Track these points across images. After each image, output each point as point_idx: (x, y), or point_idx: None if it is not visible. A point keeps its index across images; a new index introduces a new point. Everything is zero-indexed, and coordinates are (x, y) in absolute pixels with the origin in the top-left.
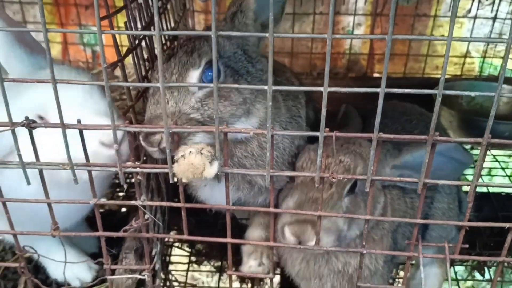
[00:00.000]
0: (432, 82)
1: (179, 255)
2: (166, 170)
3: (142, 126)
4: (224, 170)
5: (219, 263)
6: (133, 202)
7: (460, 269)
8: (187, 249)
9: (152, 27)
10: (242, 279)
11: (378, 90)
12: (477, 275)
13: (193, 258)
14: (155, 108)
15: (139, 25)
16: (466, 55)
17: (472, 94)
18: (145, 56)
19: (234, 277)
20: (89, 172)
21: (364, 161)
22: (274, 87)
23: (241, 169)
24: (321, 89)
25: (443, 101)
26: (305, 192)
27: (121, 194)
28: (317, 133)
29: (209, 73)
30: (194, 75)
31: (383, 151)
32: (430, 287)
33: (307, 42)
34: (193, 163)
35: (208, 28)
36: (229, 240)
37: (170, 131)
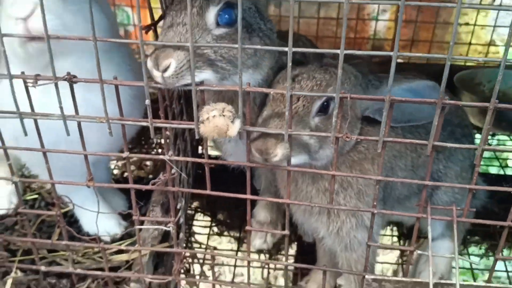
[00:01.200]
0: (455, 69)
1: (200, 220)
2: (192, 126)
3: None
4: (245, 128)
5: (238, 234)
6: (161, 157)
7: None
8: (208, 218)
9: None
10: (260, 251)
11: (391, 53)
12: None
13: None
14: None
15: None
16: (491, 43)
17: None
18: None
19: (252, 248)
20: (122, 126)
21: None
22: (294, 49)
23: (261, 128)
24: (338, 51)
25: (466, 86)
26: (273, 107)
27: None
28: (333, 94)
29: (225, 16)
30: (212, 12)
31: (365, 81)
32: (442, 261)
33: (332, 27)
34: (217, 125)
35: None
36: (248, 196)
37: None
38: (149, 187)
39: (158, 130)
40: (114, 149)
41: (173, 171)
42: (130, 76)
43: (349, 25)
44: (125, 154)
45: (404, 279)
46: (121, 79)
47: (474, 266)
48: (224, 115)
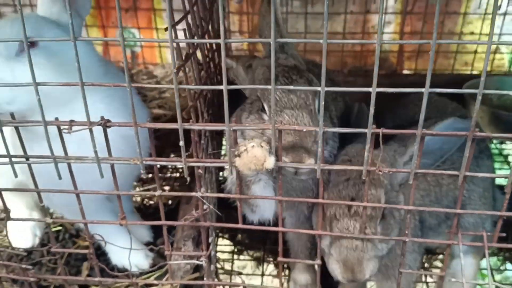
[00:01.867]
0: (461, 78)
1: (222, 245)
2: (226, 164)
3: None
4: (279, 164)
5: (259, 253)
6: (193, 194)
7: (492, 260)
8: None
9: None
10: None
11: (422, 90)
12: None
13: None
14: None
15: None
16: (496, 51)
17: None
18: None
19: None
20: (155, 166)
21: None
22: (326, 88)
23: (294, 163)
24: (370, 89)
25: (474, 96)
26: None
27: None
28: (365, 130)
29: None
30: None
31: (391, 153)
32: (466, 277)
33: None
34: (256, 155)
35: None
36: (280, 229)
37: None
38: (181, 223)
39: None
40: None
41: (205, 207)
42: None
43: (354, 38)
44: (158, 192)
45: None
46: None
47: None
48: (262, 146)
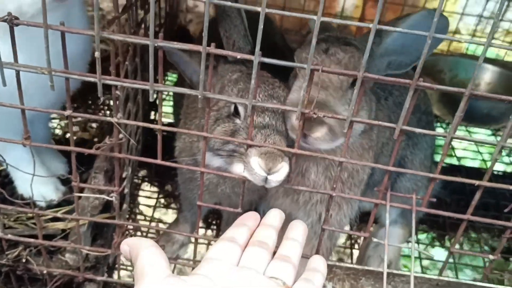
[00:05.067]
0: None
1: (147, 191)
2: (146, 87)
3: None
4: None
5: None
6: (108, 119)
7: (421, 236)
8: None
9: None
10: (208, 226)
11: (370, 25)
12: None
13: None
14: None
15: None
16: (456, 32)
17: None
18: None
19: None
20: (67, 79)
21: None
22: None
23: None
24: (314, 17)
25: (428, 73)
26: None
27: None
28: (304, 66)
29: None
30: None
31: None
32: (391, 247)
33: None
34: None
35: None
36: (202, 169)
37: None
38: (92, 151)
39: (107, 89)
40: (56, 106)
41: (120, 135)
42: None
43: (317, 0)
44: (68, 112)
45: (355, 266)
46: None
47: (423, 256)
48: None
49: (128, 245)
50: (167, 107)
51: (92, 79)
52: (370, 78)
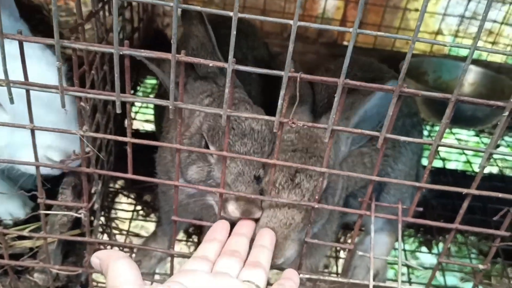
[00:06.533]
0: (401, 56)
1: (124, 203)
2: (113, 98)
3: None
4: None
5: None
6: (73, 131)
7: (407, 242)
8: (133, 201)
9: None
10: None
11: (350, 30)
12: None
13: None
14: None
15: None
16: (438, 32)
17: None
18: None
19: None
20: (27, 91)
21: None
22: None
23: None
24: (291, 22)
25: (411, 74)
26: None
27: None
28: (282, 73)
29: None
30: None
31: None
32: (376, 254)
33: (280, 1)
34: None
35: None
36: (176, 183)
37: None
38: (57, 166)
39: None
40: None
41: (87, 149)
42: None
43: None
44: (30, 125)
45: (340, 279)
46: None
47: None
48: None
49: (99, 258)
50: (148, 115)
51: (53, 91)
52: (350, 85)
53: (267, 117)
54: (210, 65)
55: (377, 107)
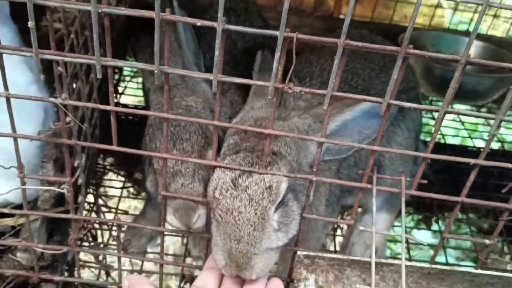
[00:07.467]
0: (398, 30)
1: (114, 180)
2: (93, 62)
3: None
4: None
5: None
6: (51, 99)
7: (406, 220)
8: (123, 178)
9: None
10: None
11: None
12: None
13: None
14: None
15: None
16: (437, 6)
17: None
18: None
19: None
20: (0, 55)
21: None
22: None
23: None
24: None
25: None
26: None
27: None
28: (276, 32)
29: None
30: None
31: (305, 126)
32: (377, 235)
33: None
34: None
35: None
36: (164, 155)
37: None
38: (35, 137)
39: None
40: None
41: (68, 119)
42: None
43: None
44: (4, 93)
45: (339, 256)
46: None
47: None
48: None
49: (129, 281)
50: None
51: (28, 54)
52: (351, 46)
53: (261, 83)
54: (199, 24)
55: (359, 122)
